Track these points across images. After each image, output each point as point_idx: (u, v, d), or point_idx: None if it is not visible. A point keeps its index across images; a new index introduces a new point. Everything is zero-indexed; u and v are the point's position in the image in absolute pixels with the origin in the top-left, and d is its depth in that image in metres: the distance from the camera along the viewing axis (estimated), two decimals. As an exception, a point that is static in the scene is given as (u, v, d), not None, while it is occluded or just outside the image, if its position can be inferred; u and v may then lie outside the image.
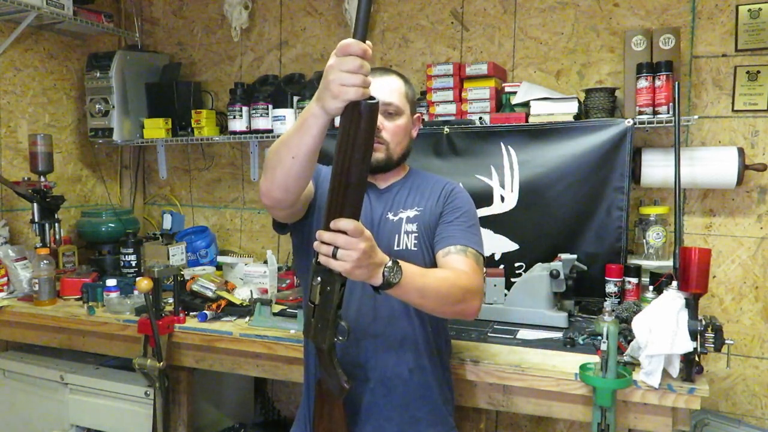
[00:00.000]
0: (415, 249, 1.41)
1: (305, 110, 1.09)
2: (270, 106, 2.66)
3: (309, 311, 1.17)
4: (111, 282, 2.29)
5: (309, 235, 1.40)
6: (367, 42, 0.99)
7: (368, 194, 1.45)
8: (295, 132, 1.12)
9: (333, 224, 1.05)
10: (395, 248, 1.40)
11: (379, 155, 1.42)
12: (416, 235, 1.42)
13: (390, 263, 1.12)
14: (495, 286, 2.05)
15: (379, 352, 1.40)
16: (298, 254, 1.52)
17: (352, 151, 1.01)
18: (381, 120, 1.40)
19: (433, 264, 1.41)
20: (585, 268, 2.11)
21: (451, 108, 2.41)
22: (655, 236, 2.18)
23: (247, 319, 2.08)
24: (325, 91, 1.01)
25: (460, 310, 1.30)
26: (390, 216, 1.44)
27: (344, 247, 1.04)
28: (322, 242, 1.06)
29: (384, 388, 1.40)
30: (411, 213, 1.44)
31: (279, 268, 2.57)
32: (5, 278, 2.47)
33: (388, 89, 1.41)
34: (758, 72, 2.18)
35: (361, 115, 0.99)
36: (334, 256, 1.04)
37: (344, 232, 1.04)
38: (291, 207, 1.29)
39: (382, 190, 1.48)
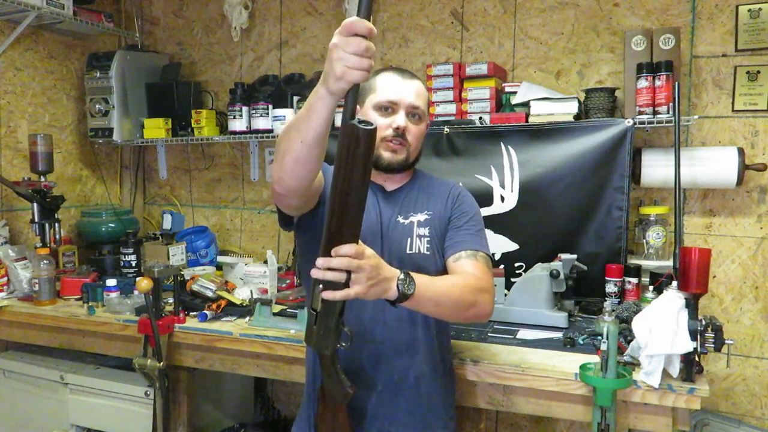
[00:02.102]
0: (428, 253, 1.42)
1: (312, 93, 1.07)
2: (270, 106, 2.65)
3: (311, 318, 1.17)
4: (111, 282, 2.29)
5: (317, 230, 1.39)
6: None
7: (376, 196, 1.45)
8: (303, 116, 1.09)
9: (334, 253, 1.05)
10: (407, 251, 1.41)
11: (399, 156, 1.42)
12: (428, 239, 1.42)
13: (402, 275, 1.14)
14: (495, 286, 2.04)
15: (385, 357, 1.39)
16: (303, 254, 1.51)
17: (351, 175, 1.01)
18: (407, 122, 1.41)
19: (441, 268, 1.42)
20: (585, 268, 2.11)
21: (451, 108, 2.41)
22: (655, 236, 2.18)
23: (247, 319, 2.08)
24: (329, 73, 1.00)
25: (474, 314, 1.31)
26: (400, 219, 1.44)
27: (354, 270, 1.05)
28: (330, 269, 1.05)
29: (391, 394, 1.40)
30: (422, 217, 1.44)
31: (279, 268, 2.57)
32: (5, 278, 2.47)
33: (414, 93, 1.42)
34: (758, 72, 2.18)
35: (359, 140, 0.99)
36: (346, 283, 1.05)
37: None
38: (303, 195, 1.25)
39: (390, 192, 1.48)
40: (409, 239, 1.41)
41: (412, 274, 1.16)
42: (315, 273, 1.06)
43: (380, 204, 1.45)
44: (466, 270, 1.36)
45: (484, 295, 1.33)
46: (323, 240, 1.06)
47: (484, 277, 1.36)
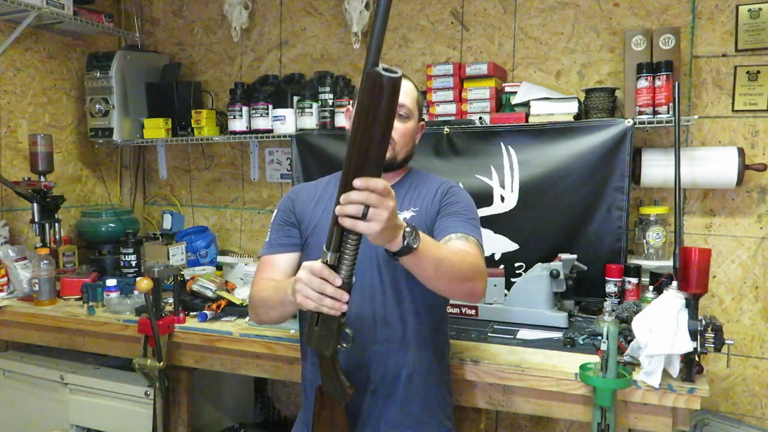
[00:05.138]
0: None
1: (287, 288, 1.22)
2: (270, 106, 2.66)
3: (312, 319, 1.16)
4: (111, 282, 2.29)
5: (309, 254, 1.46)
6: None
7: None
8: (277, 302, 1.31)
9: (362, 182, 0.97)
10: None
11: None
12: None
13: (409, 228, 1.09)
14: (495, 286, 2.05)
15: (378, 356, 1.39)
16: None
17: (372, 128, 0.94)
18: None
19: None
20: (585, 268, 2.11)
21: (451, 108, 2.41)
22: (655, 236, 2.18)
23: (247, 319, 2.08)
24: (295, 291, 1.13)
25: (469, 288, 1.28)
26: None
27: (375, 205, 0.98)
28: (350, 203, 0.98)
29: (384, 391, 1.40)
30: (407, 214, 1.44)
31: (279, 268, 2.56)
32: (5, 278, 2.47)
33: (402, 91, 1.38)
34: (758, 72, 2.18)
35: (383, 90, 0.92)
36: (363, 217, 0.98)
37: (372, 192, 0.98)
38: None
39: None
40: None
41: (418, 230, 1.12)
42: (339, 209, 1.00)
43: None
44: (459, 248, 1.32)
45: (481, 274, 1.30)
46: (339, 191, 1.00)
47: (479, 256, 1.32)
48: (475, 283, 1.28)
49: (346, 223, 1.00)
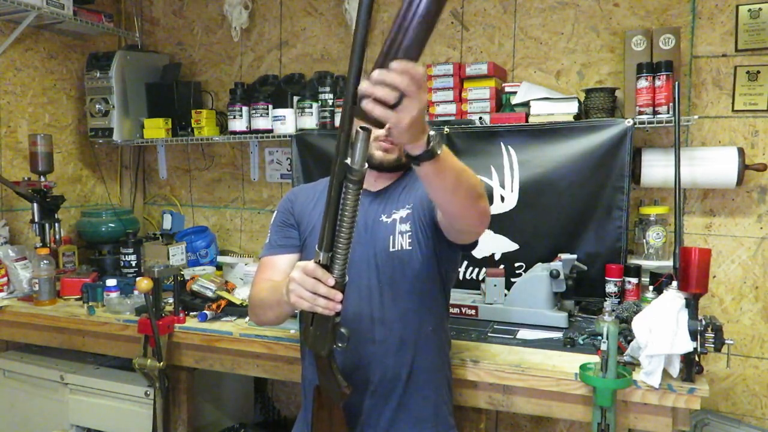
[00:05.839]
0: (410, 248, 1.40)
1: (282, 288, 1.21)
2: (270, 106, 2.66)
3: (307, 319, 1.17)
4: (111, 282, 2.29)
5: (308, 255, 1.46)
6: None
7: (361, 199, 1.43)
8: (273, 303, 1.33)
9: (403, 65, 0.86)
10: (390, 250, 1.40)
11: (390, 156, 1.42)
12: (410, 233, 1.41)
13: (434, 132, 1.01)
14: (495, 286, 2.05)
15: (378, 356, 1.39)
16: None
17: (402, 38, 0.87)
18: None
19: (428, 262, 1.41)
20: (585, 268, 2.11)
21: (451, 108, 2.41)
22: (655, 236, 2.18)
23: (247, 319, 2.08)
24: (288, 292, 1.14)
25: (483, 208, 1.24)
26: (384, 218, 1.43)
27: (410, 95, 0.88)
28: (384, 84, 0.87)
29: (384, 391, 1.40)
30: (403, 212, 1.43)
31: (279, 268, 2.56)
32: (5, 278, 2.47)
33: None
34: (758, 72, 2.18)
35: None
36: (395, 105, 0.88)
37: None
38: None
39: (375, 192, 1.47)
40: (391, 237, 1.41)
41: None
42: (366, 88, 0.88)
43: (364, 206, 1.43)
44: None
45: (486, 198, 1.26)
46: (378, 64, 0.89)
47: None
48: (485, 202, 1.25)
49: (376, 111, 0.87)
